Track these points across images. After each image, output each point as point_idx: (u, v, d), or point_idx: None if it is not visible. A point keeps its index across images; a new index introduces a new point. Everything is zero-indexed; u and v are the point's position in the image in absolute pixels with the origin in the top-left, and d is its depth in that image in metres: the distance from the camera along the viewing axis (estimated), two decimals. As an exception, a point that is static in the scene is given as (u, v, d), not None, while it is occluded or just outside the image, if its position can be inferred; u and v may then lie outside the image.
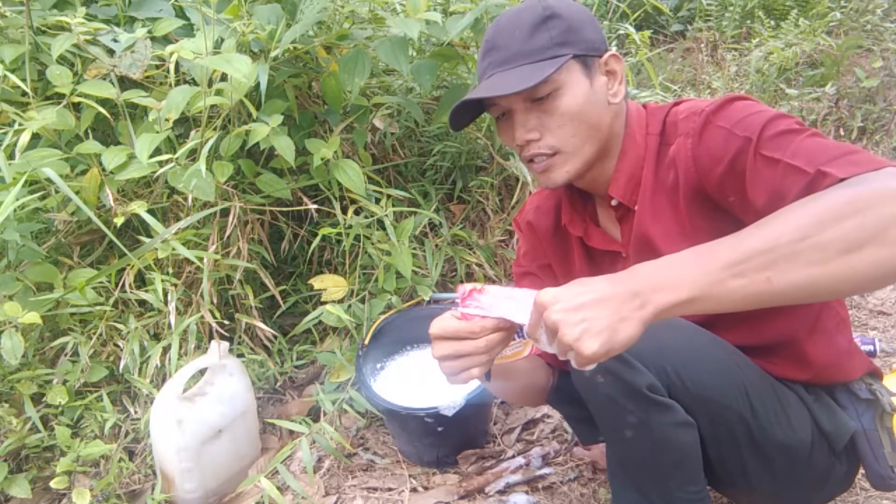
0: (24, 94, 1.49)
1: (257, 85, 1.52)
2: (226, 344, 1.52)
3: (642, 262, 0.76)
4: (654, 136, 1.01)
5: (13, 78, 1.44)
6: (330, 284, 1.70)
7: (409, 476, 1.52)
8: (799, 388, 1.02)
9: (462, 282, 1.97)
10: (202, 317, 1.60)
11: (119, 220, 1.50)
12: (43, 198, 1.56)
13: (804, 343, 1.00)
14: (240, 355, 1.67)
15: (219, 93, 1.51)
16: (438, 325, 0.85)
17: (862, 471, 1.05)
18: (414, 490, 1.48)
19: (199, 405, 1.44)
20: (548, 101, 0.96)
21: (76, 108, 1.56)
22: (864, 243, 0.65)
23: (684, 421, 0.93)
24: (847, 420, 1.01)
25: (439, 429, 1.42)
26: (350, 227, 1.71)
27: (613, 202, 1.04)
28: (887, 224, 0.65)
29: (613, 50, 1.01)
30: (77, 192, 1.47)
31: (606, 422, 0.98)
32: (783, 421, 0.97)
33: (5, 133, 1.45)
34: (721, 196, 0.91)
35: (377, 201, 1.75)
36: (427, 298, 1.74)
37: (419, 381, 1.54)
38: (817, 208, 0.68)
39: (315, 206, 1.73)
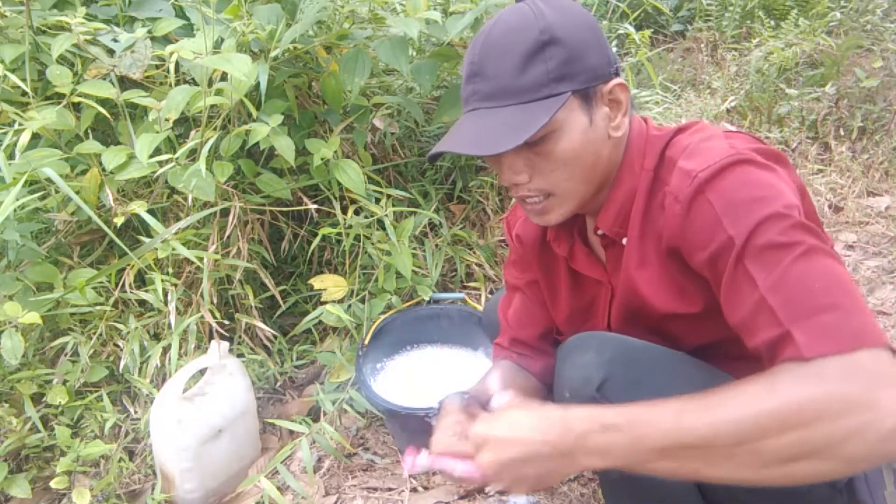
0: (24, 94, 1.49)
1: (257, 85, 1.52)
2: (226, 344, 1.51)
3: (628, 305, 0.84)
4: (649, 172, 0.90)
5: (13, 78, 1.44)
6: (330, 284, 1.70)
7: (409, 476, 1.52)
8: None
9: (462, 282, 1.98)
10: (202, 317, 1.60)
11: (119, 220, 1.50)
12: (43, 198, 1.56)
13: None
14: (240, 355, 1.67)
15: (219, 93, 1.51)
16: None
17: None
18: (414, 490, 1.48)
19: (199, 405, 1.44)
20: (541, 144, 0.85)
21: (76, 108, 1.56)
22: (804, 457, 0.62)
23: None
24: None
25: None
26: (350, 227, 1.71)
27: (599, 232, 0.96)
28: (833, 442, 0.61)
29: (621, 77, 0.89)
30: (77, 192, 1.47)
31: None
32: None
33: (5, 133, 1.45)
34: (701, 274, 0.85)
35: (377, 201, 1.75)
36: (427, 298, 1.74)
37: (419, 381, 1.54)
38: (764, 409, 0.64)
39: (315, 206, 1.73)
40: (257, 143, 1.55)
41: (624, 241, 0.94)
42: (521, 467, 0.74)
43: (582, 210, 0.97)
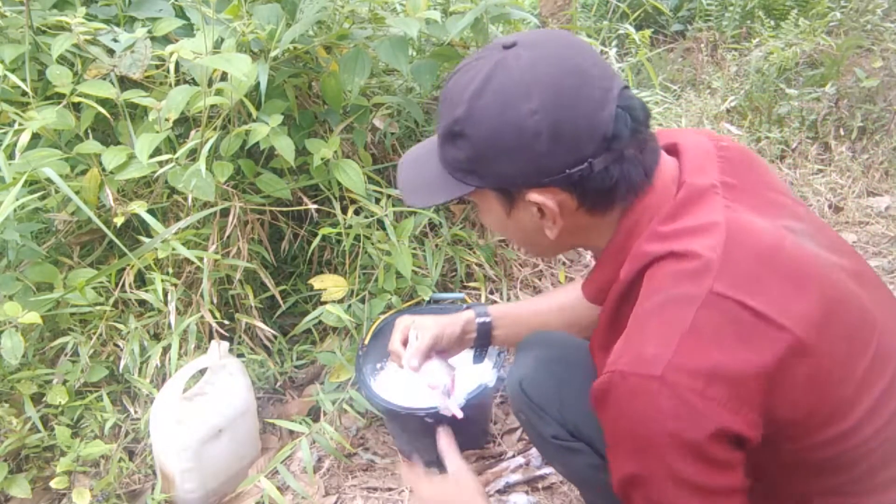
0: (24, 94, 1.49)
1: (257, 85, 1.52)
2: (226, 344, 1.51)
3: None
4: (621, 285, 0.81)
5: (13, 78, 1.44)
6: (330, 284, 1.70)
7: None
8: None
9: (462, 282, 1.98)
10: (202, 317, 1.60)
11: (119, 220, 1.50)
12: (43, 198, 1.56)
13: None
14: (240, 355, 1.67)
15: (219, 92, 1.51)
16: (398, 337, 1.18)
17: None
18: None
19: (199, 405, 1.44)
20: (475, 205, 0.87)
21: (76, 108, 1.56)
22: None
23: (597, 463, 0.96)
24: None
25: (439, 429, 1.42)
26: (350, 227, 1.71)
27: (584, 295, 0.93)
28: None
29: (539, 191, 0.77)
30: (77, 192, 1.47)
31: (539, 452, 1.09)
32: None
33: (5, 133, 1.45)
34: None
35: (377, 201, 1.75)
36: (427, 298, 1.74)
37: (419, 382, 1.54)
38: None
39: (315, 206, 1.73)
40: (257, 143, 1.55)
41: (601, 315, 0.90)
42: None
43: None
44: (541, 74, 0.73)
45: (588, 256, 2.12)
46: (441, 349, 1.18)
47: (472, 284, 2.00)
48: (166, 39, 1.66)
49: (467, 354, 1.61)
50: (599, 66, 0.76)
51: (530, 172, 0.76)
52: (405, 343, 1.18)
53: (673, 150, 0.85)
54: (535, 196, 0.77)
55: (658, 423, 0.69)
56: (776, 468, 0.78)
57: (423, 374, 1.17)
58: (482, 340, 1.21)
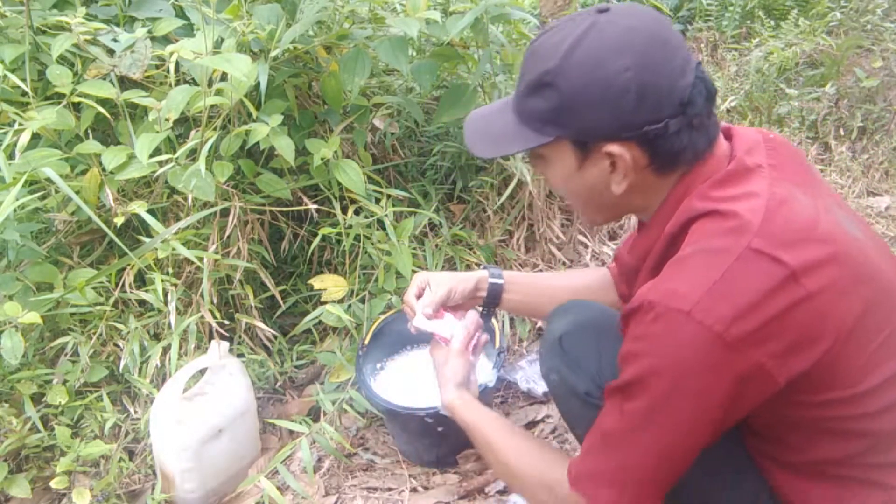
0: (24, 94, 1.49)
1: (257, 85, 1.52)
2: (226, 344, 1.51)
3: None
4: (667, 237, 0.88)
5: (13, 78, 1.44)
6: (330, 284, 1.70)
7: (409, 476, 1.52)
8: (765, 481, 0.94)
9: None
10: (202, 317, 1.60)
11: (119, 220, 1.50)
12: (43, 198, 1.56)
13: (777, 469, 0.92)
14: (240, 355, 1.67)
15: (219, 93, 1.51)
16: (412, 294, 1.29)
17: None
18: (414, 490, 1.48)
19: (199, 405, 1.44)
20: (540, 160, 0.93)
21: (76, 108, 1.56)
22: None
23: None
24: None
25: (439, 429, 1.42)
26: (350, 227, 1.71)
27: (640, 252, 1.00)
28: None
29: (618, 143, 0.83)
30: (77, 192, 1.47)
31: (564, 417, 1.12)
32: (730, 491, 0.95)
33: (5, 133, 1.45)
34: None
35: (377, 201, 1.75)
36: (427, 298, 1.74)
37: (419, 381, 1.54)
38: (516, 472, 0.99)
39: (315, 206, 1.73)
40: (257, 143, 1.55)
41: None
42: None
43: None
44: (633, 38, 0.81)
45: (588, 257, 2.12)
46: (454, 303, 1.28)
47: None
48: (166, 39, 1.66)
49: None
50: (680, 41, 0.84)
51: (612, 126, 0.82)
52: (419, 296, 1.28)
53: (727, 135, 0.91)
54: (613, 147, 0.83)
55: (675, 349, 0.77)
56: (785, 427, 0.86)
57: (436, 327, 1.27)
58: (491, 300, 1.29)
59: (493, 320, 1.56)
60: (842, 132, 2.77)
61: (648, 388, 0.80)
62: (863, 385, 0.80)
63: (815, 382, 0.79)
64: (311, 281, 1.72)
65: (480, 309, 1.33)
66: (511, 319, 1.88)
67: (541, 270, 2.07)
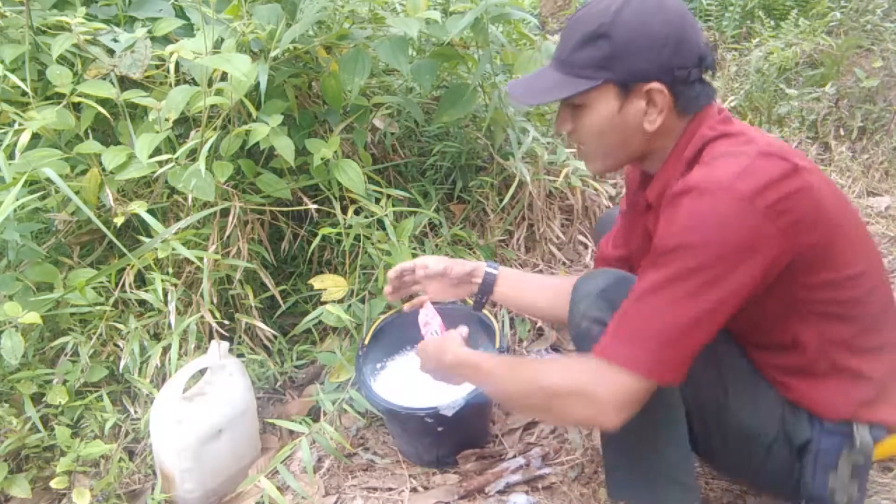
0: (24, 94, 1.49)
1: (257, 85, 1.52)
2: (226, 344, 1.51)
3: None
4: (685, 163, 1.05)
5: (13, 78, 1.44)
6: (330, 284, 1.70)
7: (409, 476, 1.52)
8: (784, 399, 1.09)
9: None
10: (202, 317, 1.60)
11: (119, 220, 1.50)
12: (43, 198, 1.56)
13: (785, 378, 1.08)
14: (240, 355, 1.67)
15: (219, 92, 1.51)
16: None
17: None
18: (414, 490, 1.48)
19: (199, 405, 1.44)
20: (577, 109, 1.08)
21: (76, 108, 1.56)
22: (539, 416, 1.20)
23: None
24: (807, 431, 1.07)
25: (439, 429, 1.42)
26: (350, 227, 1.71)
27: (649, 200, 1.13)
28: (557, 412, 1.04)
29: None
30: (77, 192, 1.47)
31: None
32: (751, 408, 1.09)
33: (5, 133, 1.45)
34: None
35: (377, 201, 1.75)
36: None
37: (419, 381, 1.54)
38: (533, 388, 1.04)
39: (315, 206, 1.73)
40: (257, 143, 1.55)
41: None
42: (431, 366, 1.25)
43: (641, 167, 1.19)
44: (667, 4, 1.02)
45: (588, 257, 2.12)
46: (449, 279, 1.41)
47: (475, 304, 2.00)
48: (166, 39, 1.66)
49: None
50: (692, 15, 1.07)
51: (652, 69, 1.01)
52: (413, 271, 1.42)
53: None
54: (653, 85, 1.01)
55: (716, 218, 0.91)
56: (787, 305, 1.02)
57: (420, 315, 1.40)
58: (485, 289, 1.40)
59: (494, 320, 1.56)
60: (842, 132, 2.77)
61: (690, 254, 0.92)
62: (850, 269, 1.00)
63: (812, 264, 0.97)
64: (311, 281, 1.72)
65: (474, 299, 1.44)
66: (511, 319, 1.89)
67: (541, 271, 2.07)
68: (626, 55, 1.01)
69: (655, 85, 1.01)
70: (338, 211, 1.72)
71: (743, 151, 0.96)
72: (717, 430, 1.11)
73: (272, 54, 1.54)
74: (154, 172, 1.51)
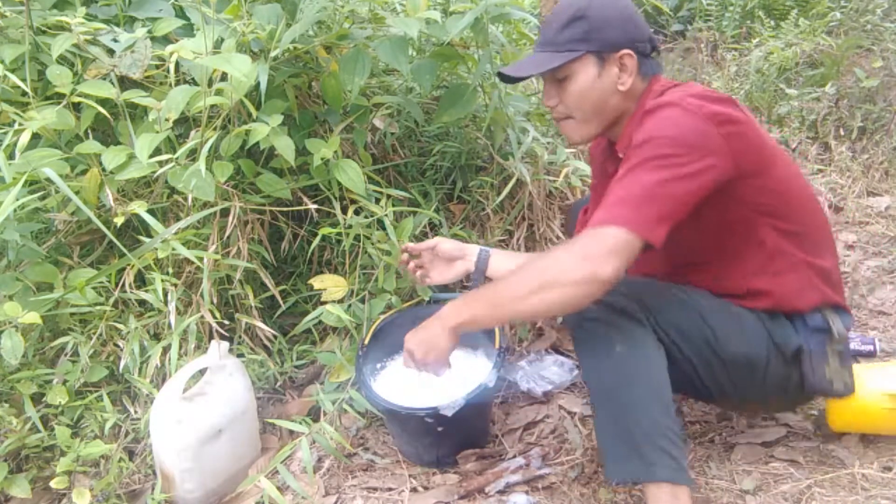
0: (24, 94, 1.49)
1: (257, 85, 1.52)
2: (226, 344, 1.52)
3: None
4: (644, 113, 1.25)
5: (13, 78, 1.44)
6: (330, 284, 1.70)
7: (409, 476, 1.52)
8: (760, 313, 1.29)
9: (462, 282, 1.98)
10: (202, 317, 1.60)
11: (119, 220, 1.50)
12: (43, 198, 1.55)
13: (757, 282, 1.29)
14: (240, 355, 1.67)
15: (219, 93, 1.51)
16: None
17: None
18: (414, 490, 1.48)
19: (199, 405, 1.44)
20: (564, 81, 1.30)
21: (76, 108, 1.56)
22: (549, 303, 1.12)
23: (656, 344, 1.22)
24: (794, 336, 1.28)
25: (439, 429, 1.42)
26: (350, 227, 1.71)
27: (620, 154, 1.30)
28: (547, 302, 1.11)
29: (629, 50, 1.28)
30: (77, 192, 1.47)
31: (595, 346, 1.22)
32: (741, 338, 1.27)
33: (5, 133, 1.45)
34: None
35: (377, 201, 1.75)
36: (427, 298, 1.74)
37: (419, 381, 1.54)
38: (526, 282, 1.13)
39: (315, 206, 1.73)
40: (257, 143, 1.55)
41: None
42: (419, 336, 1.26)
43: (607, 137, 1.41)
44: None
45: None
46: (439, 254, 1.60)
47: (472, 284, 2.00)
48: (166, 39, 1.66)
49: (467, 356, 1.62)
50: None
51: (622, 40, 1.27)
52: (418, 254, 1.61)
53: None
54: (625, 51, 1.27)
55: (675, 122, 1.15)
56: (743, 210, 1.24)
57: None
58: (480, 265, 1.58)
59: None
60: (842, 132, 2.77)
61: (654, 143, 1.14)
62: (786, 185, 1.27)
63: (755, 173, 1.21)
64: (311, 281, 1.72)
65: (469, 282, 1.61)
66: (511, 319, 1.89)
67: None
68: (602, 30, 1.26)
69: (626, 51, 1.27)
70: (338, 211, 1.72)
71: (687, 88, 1.25)
72: (720, 370, 1.27)
73: (272, 54, 1.54)
74: (154, 172, 1.51)
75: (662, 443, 1.16)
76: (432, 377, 1.34)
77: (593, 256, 1.08)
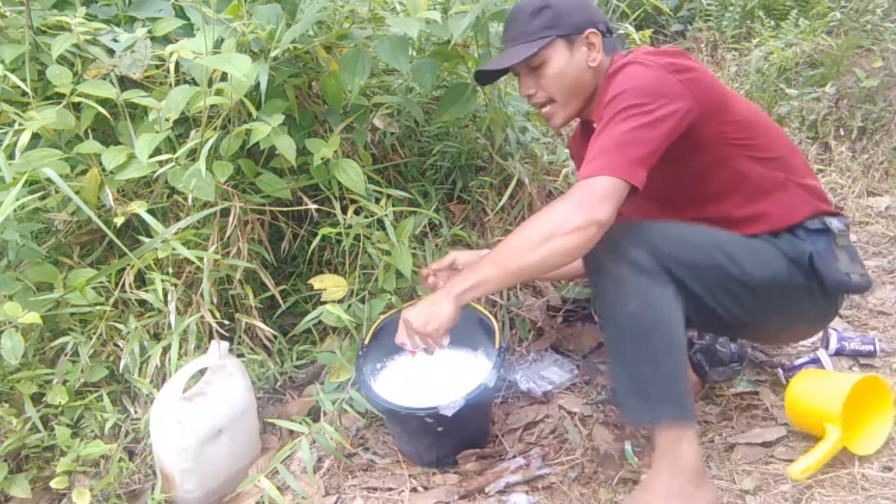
0: (24, 94, 1.49)
1: (257, 85, 1.52)
2: (226, 344, 1.52)
3: None
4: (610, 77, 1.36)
5: (13, 78, 1.44)
6: (330, 284, 1.70)
7: (409, 476, 1.52)
8: (765, 235, 1.37)
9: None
10: (202, 317, 1.60)
11: (119, 220, 1.50)
12: (43, 198, 1.55)
13: (750, 209, 1.38)
14: (240, 355, 1.67)
15: (219, 92, 1.51)
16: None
17: None
18: (414, 490, 1.48)
19: (199, 405, 1.44)
20: (539, 69, 1.42)
21: (76, 108, 1.56)
22: (548, 257, 1.21)
23: (670, 300, 1.26)
24: (804, 245, 1.35)
25: (439, 429, 1.42)
26: (350, 226, 1.71)
27: (594, 126, 1.34)
28: (561, 248, 1.20)
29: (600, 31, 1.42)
30: (77, 192, 1.47)
31: (612, 304, 1.28)
32: (758, 261, 1.32)
33: (5, 133, 1.45)
34: None
35: (377, 201, 1.75)
36: (427, 298, 1.74)
37: (419, 381, 1.54)
38: (529, 237, 1.23)
39: (315, 206, 1.72)
40: (257, 143, 1.55)
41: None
42: (421, 306, 1.33)
43: (583, 118, 1.53)
44: None
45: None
46: (457, 267, 1.59)
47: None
48: (166, 39, 1.66)
49: (467, 356, 1.62)
50: None
51: (586, 21, 1.41)
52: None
53: None
54: (590, 30, 1.40)
55: (640, 78, 1.27)
56: (719, 152, 1.34)
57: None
58: None
59: (494, 320, 1.56)
60: (842, 132, 2.77)
61: (622, 97, 1.24)
62: (747, 117, 1.38)
63: (717, 112, 1.32)
64: (311, 281, 1.72)
65: None
66: (511, 319, 1.89)
67: (541, 270, 2.06)
68: (566, 15, 1.39)
69: (592, 30, 1.40)
70: (338, 211, 1.72)
71: (642, 49, 1.37)
72: (748, 298, 1.32)
73: (272, 54, 1.54)
74: (154, 172, 1.51)
75: (669, 392, 1.25)
76: (426, 362, 1.36)
77: (588, 203, 1.19)
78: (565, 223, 1.19)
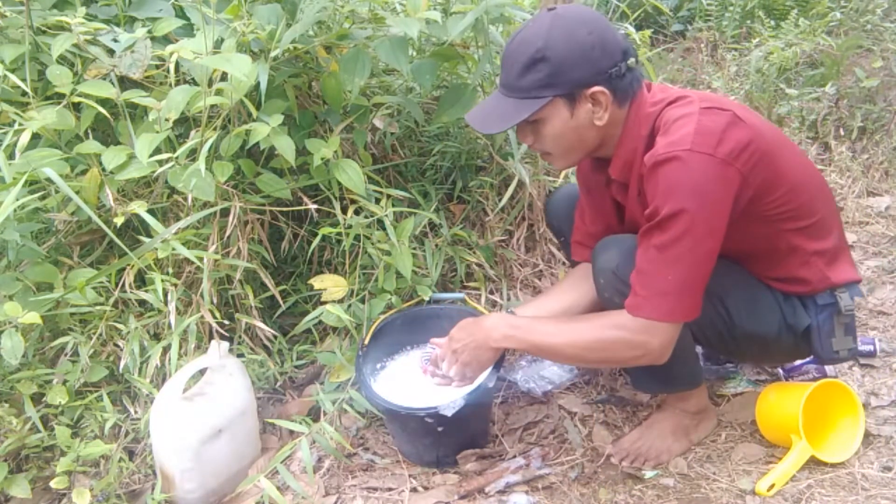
0: (24, 94, 1.49)
1: (257, 85, 1.52)
2: (226, 344, 1.52)
3: (630, 219, 1.39)
4: (644, 138, 1.26)
5: (13, 78, 1.44)
6: (330, 284, 1.70)
7: (409, 476, 1.52)
8: (778, 294, 1.36)
9: (462, 282, 1.98)
10: (202, 317, 1.60)
11: (119, 220, 1.50)
12: (43, 198, 1.55)
13: (775, 272, 1.36)
14: (240, 355, 1.67)
15: (219, 92, 1.51)
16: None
17: None
18: (414, 490, 1.48)
19: (199, 405, 1.44)
20: (535, 125, 1.26)
21: (76, 108, 1.56)
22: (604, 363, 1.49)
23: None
24: (805, 317, 1.35)
25: (439, 429, 1.42)
26: (350, 227, 1.71)
27: (614, 176, 1.34)
28: (613, 361, 1.40)
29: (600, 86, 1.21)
30: (77, 192, 1.47)
31: None
32: (754, 313, 1.35)
33: (5, 133, 1.45)
34: None
35: (377, 201, 1.75)
36: (427, 298, 1.74)
37: (419, 381, 1.54)
38: (588, 340, 1.27)
39: (315, 206, 1.72)
40: (257, 143, 1.55)
41: (630, 182, 1.33)
42: (465, 346, 1.37)
43: (594, 156, 1.38)
44: (584, 15, 1.21)
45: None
46: None
47: (472, 284, 2.00)
48: (166, 39, 1.66)
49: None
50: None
51: (590, 75, 1.20)
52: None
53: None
54: (595, 88, 1.20)
55: (690, 176, 1.14)
56: (760, 223, 1.27)
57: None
58: None
59: None
60: (842, 132, 2.77)
61: (682, 218, 1.14)
62: (794, 181, 1.27)
63: (768, 189, 1.23)
64: (311, 281, 1.72)
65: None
66: (511, 319, 1.88)
67: (540, 270, 2.07)
68: (565, 70, 1.18)
69: (596, 88, 1.20)
70: (338, 211, 1.72)
71: (687, 112, 1.19)
72: (731, 343, 1.37)
73: (272, 54, 1.54)
74: (154, 172, 1.51)
75: (683, 374, 1.44)
76: (436, 382, 1.38)
77: (654, 351, 1.22)
78: (622, 358, 1.27)
